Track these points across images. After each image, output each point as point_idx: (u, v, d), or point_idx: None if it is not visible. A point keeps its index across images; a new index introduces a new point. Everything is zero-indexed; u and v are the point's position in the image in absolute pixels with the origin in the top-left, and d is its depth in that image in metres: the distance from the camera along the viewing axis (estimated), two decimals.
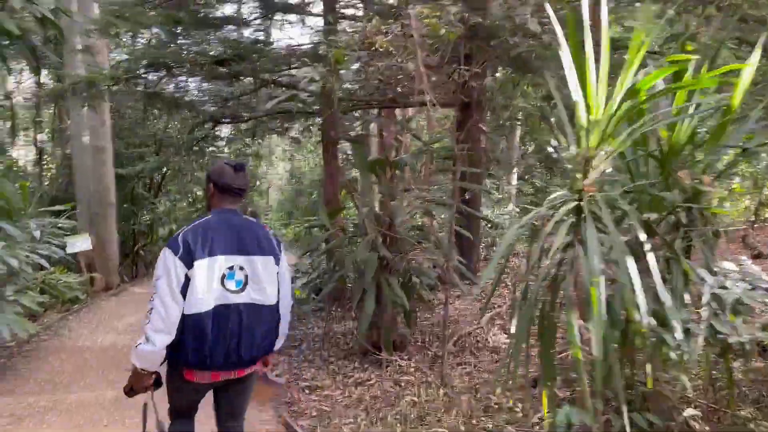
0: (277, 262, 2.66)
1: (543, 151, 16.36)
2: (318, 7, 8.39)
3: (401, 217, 5.60)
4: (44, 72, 15.29)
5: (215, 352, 2.47)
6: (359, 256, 4.98)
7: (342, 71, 4.74)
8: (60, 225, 8.63)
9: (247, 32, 7.81)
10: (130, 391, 2.65)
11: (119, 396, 3.88)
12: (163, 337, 2.40)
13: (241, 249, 2.56)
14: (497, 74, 9.17)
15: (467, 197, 6.95)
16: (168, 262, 2.44)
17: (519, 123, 11.68)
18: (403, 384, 4.92)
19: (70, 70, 8.78)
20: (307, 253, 10.69)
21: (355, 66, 5.27)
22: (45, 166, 17.78)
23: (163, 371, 2.63)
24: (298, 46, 7.46)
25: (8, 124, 22.75)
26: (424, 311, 7.08)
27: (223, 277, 2.50)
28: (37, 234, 7.16)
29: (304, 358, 5.97)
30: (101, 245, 11.28)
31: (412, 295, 5.59)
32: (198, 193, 16.51)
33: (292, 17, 9.12)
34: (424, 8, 3.78)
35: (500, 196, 12.26)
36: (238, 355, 2.53)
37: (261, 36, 8.37)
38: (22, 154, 23.81)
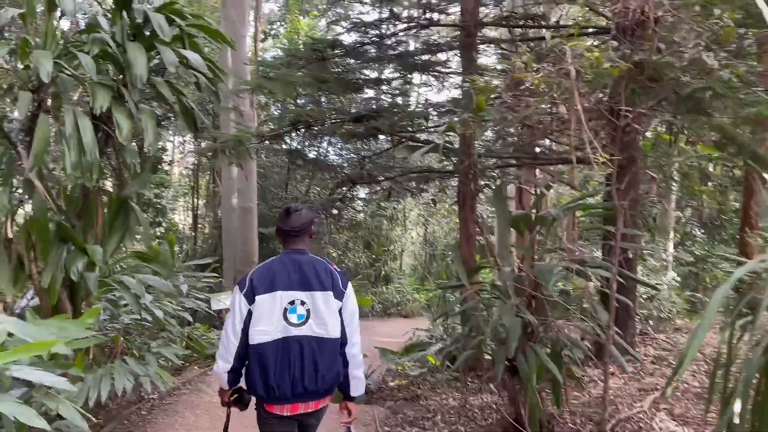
0: (338, 296, 2.83)
1: (703, 215, 14.79)
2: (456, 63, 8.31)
3: (549, 279, 5.04)
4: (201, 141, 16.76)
5: (281, 382, 2.67)
6: (503, 320, 4.48)
7: (483, 119, 4.44)
8: (205, 280, 8.99)
9: (386, 91, 7.89)
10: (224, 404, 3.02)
11: None
12: (223, 364, 2.74)
13: (302, 285, 2.78)
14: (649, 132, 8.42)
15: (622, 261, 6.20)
16: (235, 299, 2.76)
17: (675, 183, 10.61)
18: None
19: (223, 132, 9.38)
20: (441, 318, 10.27)
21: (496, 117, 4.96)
22: (200, 229, 19.24)
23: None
24: (437, 103, 7.36)
25: (170, 191, 25.22)
26: (572, 389, 6.29)
27: (285, 311, 2.73)
28: (184, 288, 7.46)
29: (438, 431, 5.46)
30: None
31: (560, 368, 4.92)
32: (333, 255, 16.88)
33: (431, 79, 9.11)
34: (580, 42, 3.40)
35: (656, 263, 11.07)
36: (303, 386, 2.70)
37: (399, 97, 8.42)
38: (182, 218, 26.18)
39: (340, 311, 2.85)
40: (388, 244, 22.61)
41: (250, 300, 2.72)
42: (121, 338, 6.30)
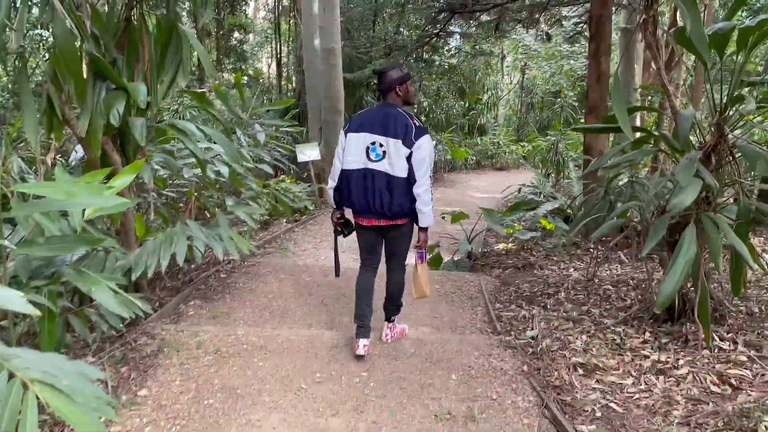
0: (408, 145, 3.41)
1: None
2: None
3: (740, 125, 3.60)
4: None
5: (358, 200, 3.55)
6: (678, 177, 3.17)
7: None
8: (286, 129, 8.05)
9: None
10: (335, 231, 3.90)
11: (337, 340, 3.99)
12: (331, 183, 3.66)
13: (383, 131, 3.47)
14: None
15: None
16: (340, 134, 3.67)
17: None
18: (734, 381, 3.16)
19: None
20: (551, 172, 8.94)
21: None
22: (285, 77, 18.14)
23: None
24: None
25: (253, 36, 23.99)
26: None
27: (368, 149, 3.50)
28: (261, 137, 6.55)
29: (565, 313, 4.45)
30: (330, 154, 10.82)
31: (747, 245, 3.63)
32: (423, 104, 15.46)
33: None
34: None
35: None
36: (375, 206, 3.49)
37: None
38: (267, 67, 25.17)
39: (408, 157, 3.42)
40: (482, 92, 20.72)
41: (346, 135, 3.57)
42: (195, 194, 5.59)
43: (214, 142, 4.57)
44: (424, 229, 3.60)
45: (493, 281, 5.63)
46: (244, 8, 16.46)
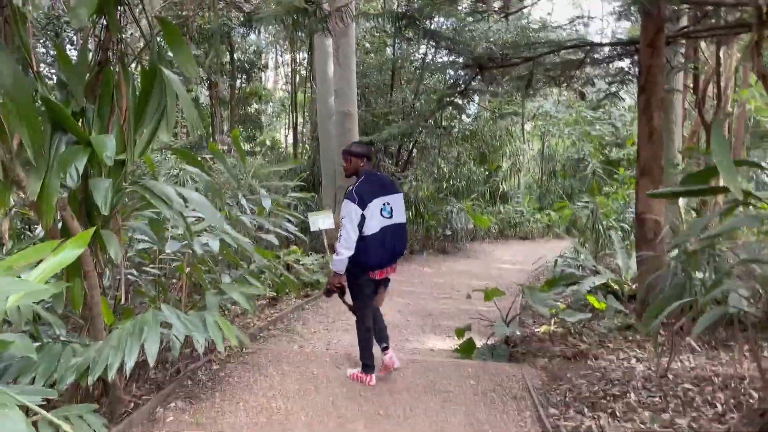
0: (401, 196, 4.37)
1: None
2: None
3: None
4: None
5: (384, 255, 4.22)
6: None
7: None
8: (293, 195, 7.34)
9: None
10: (327, 292, 4.52)
11: None
12: (347, 252, 4.06)
13: (386, 192, 4.21)
14: None
15: None
16: (350, 208, 4.03)
17: None
18: None
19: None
20: (585, 241, 8.06)
21: None
22: (300, 145, 17.73)
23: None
24: None
25: (271, 106, 23.95)
26: None
27: (381, 210, 4.14)
28: (267, 204, 5.80)
29: (643, 425, 3.46)
30: None
31: None
32: (444, 169, 14.80)
33: None
34: None
35: None
36: (396, 254, 4.37)
37: None
38: (284, 137, 25.01)
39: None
40: (502, 159, 20.13)
41: (363, 207, 4.03)
42: (187, 269, 4.77)
43: (193, 209, 3.78)
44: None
45: (539, 375, 4.65)
46: (259, 76, 16.23)
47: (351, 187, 4.14)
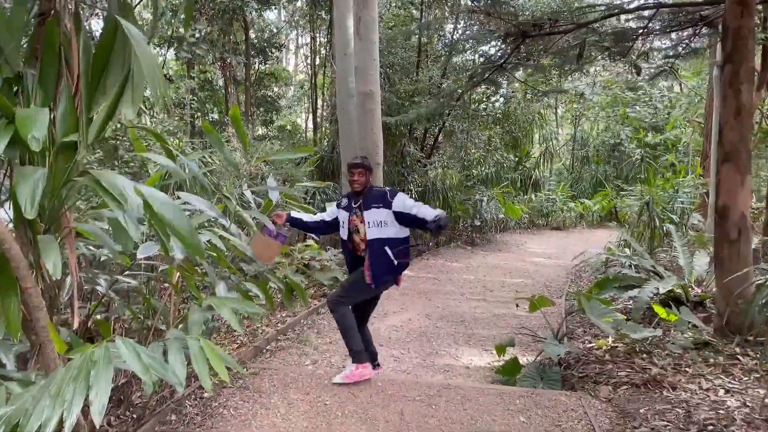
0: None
1: None
2: None
3: None
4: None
5: None
6: None
7: None
8: (313, 186, 6.49)
9: None
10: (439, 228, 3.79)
11: None
12: None
13: None
14: None
15: None
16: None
17: None
18: None
19: None
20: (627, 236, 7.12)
21: None
22: (320, 130, 16.90)
23: None
24: None
25: (290, 90, 23.12)
26: None
27: None
28: (274, 196, 4.94)
29: None
30: None
31: None
32: (475, 155, 13.82)
33: None
34: None
35: None
36: None
37: None
38: (303, 122, 24.19)
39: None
40: (532, 145, 19.02)
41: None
42: (176, 275, 3.96)
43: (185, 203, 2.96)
44: None
45: (604, 410, 3.76)
46: (276, 57, 15.31)
47: (385, 188, 4.17)
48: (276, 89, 20.03)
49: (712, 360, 4.33)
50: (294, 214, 4.44)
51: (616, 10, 5.26)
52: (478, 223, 12.59)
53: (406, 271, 4.89)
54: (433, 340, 5.68)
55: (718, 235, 4.76)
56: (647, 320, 5.71)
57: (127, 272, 3.75)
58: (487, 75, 6.47)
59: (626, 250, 8.37)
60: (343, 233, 4.18)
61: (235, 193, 4.79)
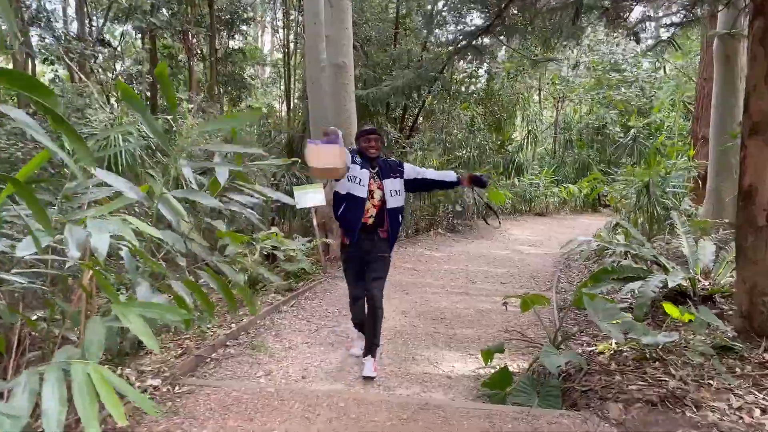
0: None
1: None
2: None
3: None
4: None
5: None
6: None
7: None
8: (274, 164, 5.68)
9: None
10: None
11: None
12: None
13: None
14: None
15: None
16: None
17: None
18: None
19: None
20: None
21: None
22: (293, 112, 15.98)
23: None
24: None
25: (266, 70, 22.09)
26: None
27: None
28: (222, 177, 4.12)
29: None
30: None
31: None
32: (458, 136, 13.06)
33: None
34: None
35: None
36: None
37: None
38: (278, 104, 23.18)
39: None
40: (514, 128, 18.33)
41: None
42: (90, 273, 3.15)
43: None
44: None
45: None
46: (245, 32, 14.28)
47: (391, 158, 4.41)
48: (251, 69, 19.01)
49: (738, 370, 3.65)
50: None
51: None
52: (460, 209, 11.88)
53: None
54: (410, 342, 4.94)
55: (742, 220, 4.07)
56: (652, 318, 5.05)
57: (15, 270, 2.93)
58: (471, 41, 5.68)
59: (618, 237, 7.71)
60: (362, 191, 4.02)
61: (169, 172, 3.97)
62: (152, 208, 3.41)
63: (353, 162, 4.05)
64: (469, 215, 12.64)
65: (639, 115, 17.80)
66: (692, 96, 16.90)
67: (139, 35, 13.91)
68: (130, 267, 3.11)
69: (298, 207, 7.90)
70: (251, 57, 16.82)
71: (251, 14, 13.58)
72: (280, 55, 18.72)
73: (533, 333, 5.10)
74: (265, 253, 7.10)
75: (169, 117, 7.06)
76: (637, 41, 6.16)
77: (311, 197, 7.89)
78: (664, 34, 8.28)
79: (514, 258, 9.21)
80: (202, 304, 3.43)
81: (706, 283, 5.61)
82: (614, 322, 3.67)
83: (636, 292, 4.97)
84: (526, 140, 17.95)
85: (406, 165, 4.27)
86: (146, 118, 3.20)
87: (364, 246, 4.09)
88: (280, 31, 16.45)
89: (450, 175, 4.31)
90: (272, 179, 10.20)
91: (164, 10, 10.05)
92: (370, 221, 4.08)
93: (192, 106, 7.23)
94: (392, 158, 4.38)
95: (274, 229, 7.31)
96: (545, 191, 16.46)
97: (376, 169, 4.12)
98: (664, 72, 19.38)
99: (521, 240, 11.41)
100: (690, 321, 4.14)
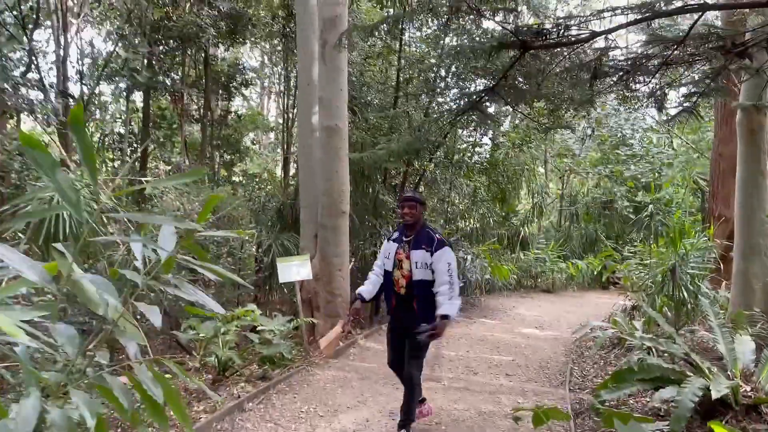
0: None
1: None
2: None
3: None
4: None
5: None
6: None
7: None
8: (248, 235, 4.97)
9: None
10: (432, 336, 4.00)
11: None
12: (459, 300, 4.05)
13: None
14: None
15: None
16: (453, 255, 4.10)
17: None
18: None
19: None
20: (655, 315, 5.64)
21: None
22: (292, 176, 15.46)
23: None
24: None
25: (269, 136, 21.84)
26: None
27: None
28: (163, 253, 3.38)
29: None
30: (327, 273, 7.64)
31: None
32: (460, 207, 12.42)
33: None
34: None
35: None
36: None
37: None
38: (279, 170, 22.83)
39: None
40: (518, 200, 17.74)
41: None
42: None
43: None
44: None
45: None
46: (241, 94, 13.91)
47: (436, 235, 4.18)
48: (251, 135, 18.70)
49: None
50: (364, 290, 4.42)
51: (650, 14, 3.93)
52: (462, 285, 11.05)
53: (369, 345, 6.01)
54: None
55: None
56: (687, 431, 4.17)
57: None
58: (476, 100, 5.08)
59: (635, 324, 6.86)
60: (388, 264, 4.26)
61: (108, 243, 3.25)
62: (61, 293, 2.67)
63: (388, 239, 4.45)
64: (472, 290, 11.83)
65: (644, 190, 17.28)
66: (702, 172, 16.42)
67: (137, 95, 13.63)
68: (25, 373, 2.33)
69: (281, 280, 7.16)
70: (251, 122, 16.50)
71: (249, 76, 13.26)
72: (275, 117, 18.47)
73: None
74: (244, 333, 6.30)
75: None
76: (660, 109, 5.56)
77: (296, 270, 7.15)
78: (677, 103, 7.74)
79: (521, 343, 8.31)
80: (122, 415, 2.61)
81: (748, 388, 4.73)
82: None
83: (673, 400, 4.12)
84: (531, 213, 17.28)
85: (443, 251, 4.07)
86: (52, 176, 2.49)
87: (399, 316, 4.30)
88: (281, 95, 16.16)
89: (444, 308, 3.97)
90: (260, 250, 9.50)
91: (156, 68, 9.67)
92: (403, 291, 4.21)
93: (169, 168, 6.61)
94: (438, 234, 4.20)
95: (251, 306, 6.50)
96: (552, 266, 15.65)
97: (410, 237, 4.22)
98: (672, 148, 19.00)
99: (528, 320, 10.51)
100: None
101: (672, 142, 18.57)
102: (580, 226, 19.28)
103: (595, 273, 16.13)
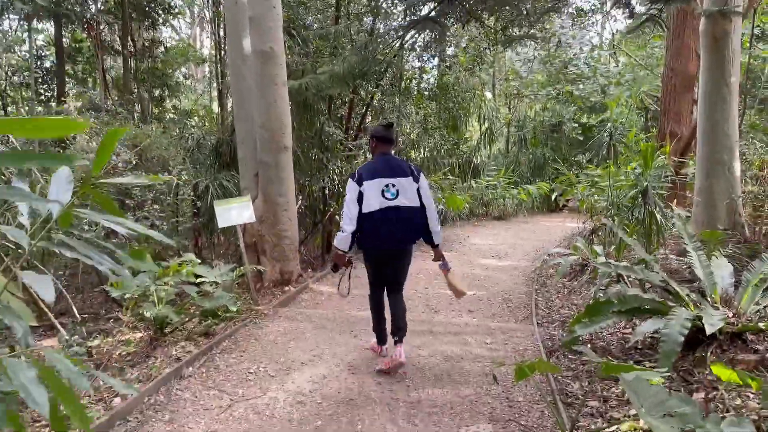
0: (415, 180, 4.23)
1: None
2: None
3: None
4: None
5: (382, 236, 4.16)
6: None
7: None
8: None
9: None
10: (334, 267, 4.40)
11: None
12: (350, 227, 4.11)
13: (391, 175, 4.19)
14: None
15: None
16: (349, 185, 4.19)
17: None
18: None
19: None
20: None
21: None
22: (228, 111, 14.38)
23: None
24: None
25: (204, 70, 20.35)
26: None
27: (383, 191, 4.15)
28: (54, 210, 2.67)
29: None
30: (271, 214, 6.99)
31: None
32: (411, 136, 11.80)
33: None
34: None
35: None
36: (397, 237, 4.21)
37: None
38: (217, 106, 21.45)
39: (417, 190, 4.23)
40: (468, 126, 17.22)
41: (360, 185, 4.12)
42: None
43: None
44: (438, 246, 4.43)
45: None
46: (163, 20, 12.54)
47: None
48: (183, 69, 17.26)
49: None
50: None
51: None
52: None
53: (323, 289, 6.49)
54: (359, 418, 3.60)
55: None
56: (679, 371, 3.90)
57: None
58: (429, 12, 4.39)
59: (597, 248, 6.58)
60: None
61: None
62: None
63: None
64: None
65: (591, 111, 17.08)
66: (648, 90, 16.26)
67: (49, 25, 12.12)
68: None
69: (220, 225, 6.48)
70: (181, 54, 15.13)
71: (171, 1, 11.90)
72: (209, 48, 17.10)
73: (519, 395, 3.84)
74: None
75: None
76: (631, 15, 5.03)
77: (236, 214, 6.47)
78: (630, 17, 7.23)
79: (480, 275, 7.99)
80: None
81: (730, 314, 4.48)
82: (665, 414, 2.42)
83: (660, 333, 3.80)
84: (482, 139, 16.83)
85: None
86: None
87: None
88: (211, 22, 14.77)
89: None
90: (195, 192, 8.69)
91: None
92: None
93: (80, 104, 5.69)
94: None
95: (188, 255, 5.83)
96: (503, 193, 15.41)
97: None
98: (618, 65, 18.74)
99: (484, 251, 10.22)
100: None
101: (618, 60, 18.27)
102: (528, 151, 19.04)
103: (545, 197, 16.05)
